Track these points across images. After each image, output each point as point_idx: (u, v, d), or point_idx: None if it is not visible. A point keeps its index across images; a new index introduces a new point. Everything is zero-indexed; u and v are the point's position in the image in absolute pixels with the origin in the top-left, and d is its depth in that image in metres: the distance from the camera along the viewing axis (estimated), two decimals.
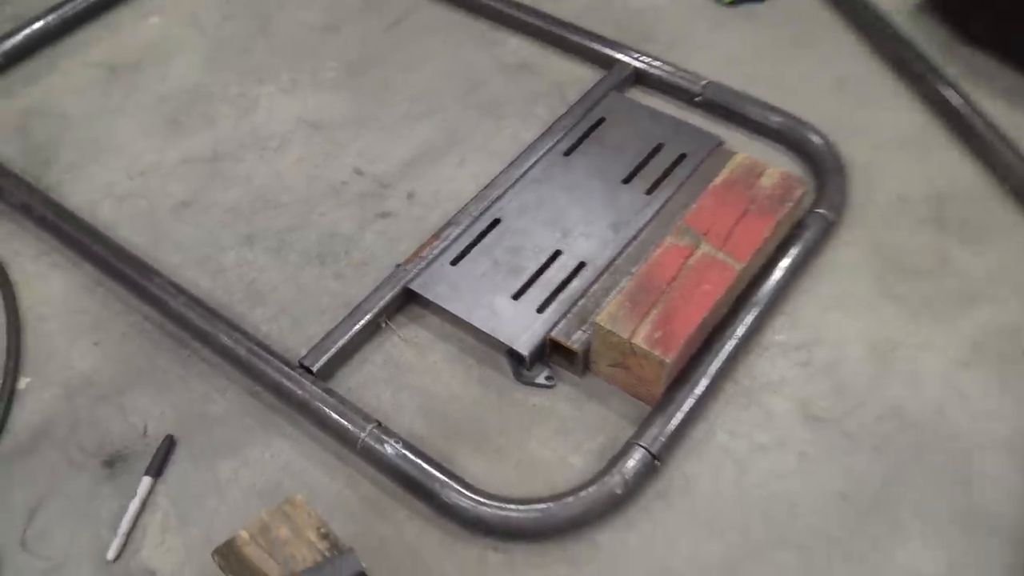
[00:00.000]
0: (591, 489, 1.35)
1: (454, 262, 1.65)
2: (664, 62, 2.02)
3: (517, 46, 2.17)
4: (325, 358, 1.53)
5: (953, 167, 1.83)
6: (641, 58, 2.03)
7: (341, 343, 1.55)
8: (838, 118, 1.91)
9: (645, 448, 1.38)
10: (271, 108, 2.07)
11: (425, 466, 1.37)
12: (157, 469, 1.44)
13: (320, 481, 1.44)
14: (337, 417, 1.43)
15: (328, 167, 1.93)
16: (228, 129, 2.02)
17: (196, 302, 1.60)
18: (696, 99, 1.97)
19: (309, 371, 1.51)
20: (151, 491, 1.43)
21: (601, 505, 1.35)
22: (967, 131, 1.86)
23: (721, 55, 2.11)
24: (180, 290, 1.61)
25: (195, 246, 1.79)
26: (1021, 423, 1.45)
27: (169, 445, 1.47)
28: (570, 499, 1.34)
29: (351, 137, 1.99)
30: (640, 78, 2.04)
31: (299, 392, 1.46)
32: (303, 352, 1.55)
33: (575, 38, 2.11)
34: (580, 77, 2.07)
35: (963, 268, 1.67)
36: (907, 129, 1.91)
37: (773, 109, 1.90)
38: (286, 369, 1.49)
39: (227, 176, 1.93)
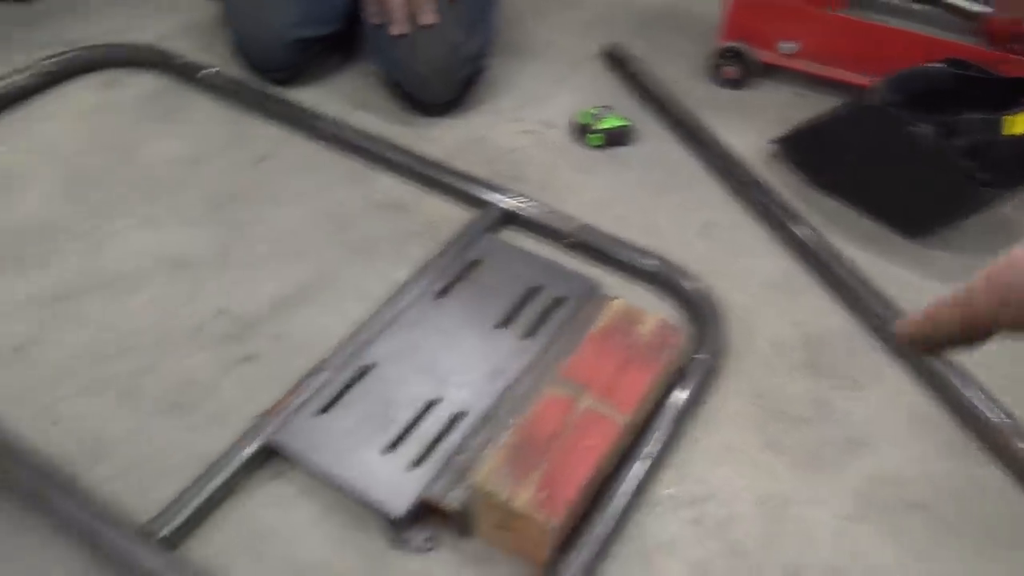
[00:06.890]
0: None
1: (321, 412, 1.52)
2: (535, 202, 2.02)
3: (389, 185, 2.13)
4: (175, 523, 1.35)
5: (823, 312, 1.86)
6: (511, 199, 2.02)
7: (194, 506, 1.38)
8: (709, 262, 1.93)
9: None
10: (125, 244, 1.93)
11: None
12: None
13: None
14: None
15: (186, 307, 1.80)
16: (74, 267, 1.86)
17: (20, 458, 1.41)
18: (570, 241, 1.96)
19: (154, 539, 1.33)
20: None
21: None
22: (831, 277, 1.90)
23: (592, 198, 2.12)
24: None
25: (26, 394, 1.60)
26: None
27: None
28: None
29: (212, 275, 1.87)
30: (512, 218, 2.02)
31: (146, 565, 1.28)
32: (144, 518, 1.37)
33: (445, 178, 2.09)
34: (452, 216, 2.03)
35: (842, 416, 1.66)
36: (774, 274, 1.94)
37: (646, 253, 1.90)
38: (130, 538, 1.31)
39: (71, 318, 1.76)
